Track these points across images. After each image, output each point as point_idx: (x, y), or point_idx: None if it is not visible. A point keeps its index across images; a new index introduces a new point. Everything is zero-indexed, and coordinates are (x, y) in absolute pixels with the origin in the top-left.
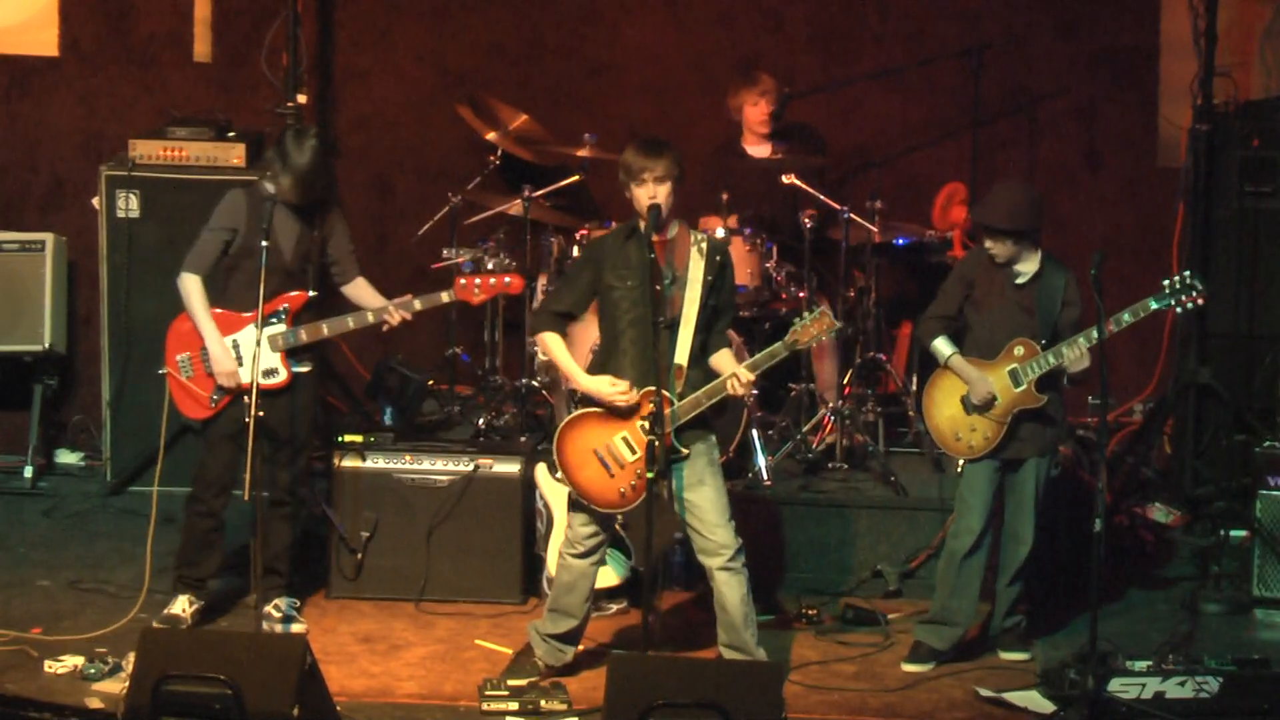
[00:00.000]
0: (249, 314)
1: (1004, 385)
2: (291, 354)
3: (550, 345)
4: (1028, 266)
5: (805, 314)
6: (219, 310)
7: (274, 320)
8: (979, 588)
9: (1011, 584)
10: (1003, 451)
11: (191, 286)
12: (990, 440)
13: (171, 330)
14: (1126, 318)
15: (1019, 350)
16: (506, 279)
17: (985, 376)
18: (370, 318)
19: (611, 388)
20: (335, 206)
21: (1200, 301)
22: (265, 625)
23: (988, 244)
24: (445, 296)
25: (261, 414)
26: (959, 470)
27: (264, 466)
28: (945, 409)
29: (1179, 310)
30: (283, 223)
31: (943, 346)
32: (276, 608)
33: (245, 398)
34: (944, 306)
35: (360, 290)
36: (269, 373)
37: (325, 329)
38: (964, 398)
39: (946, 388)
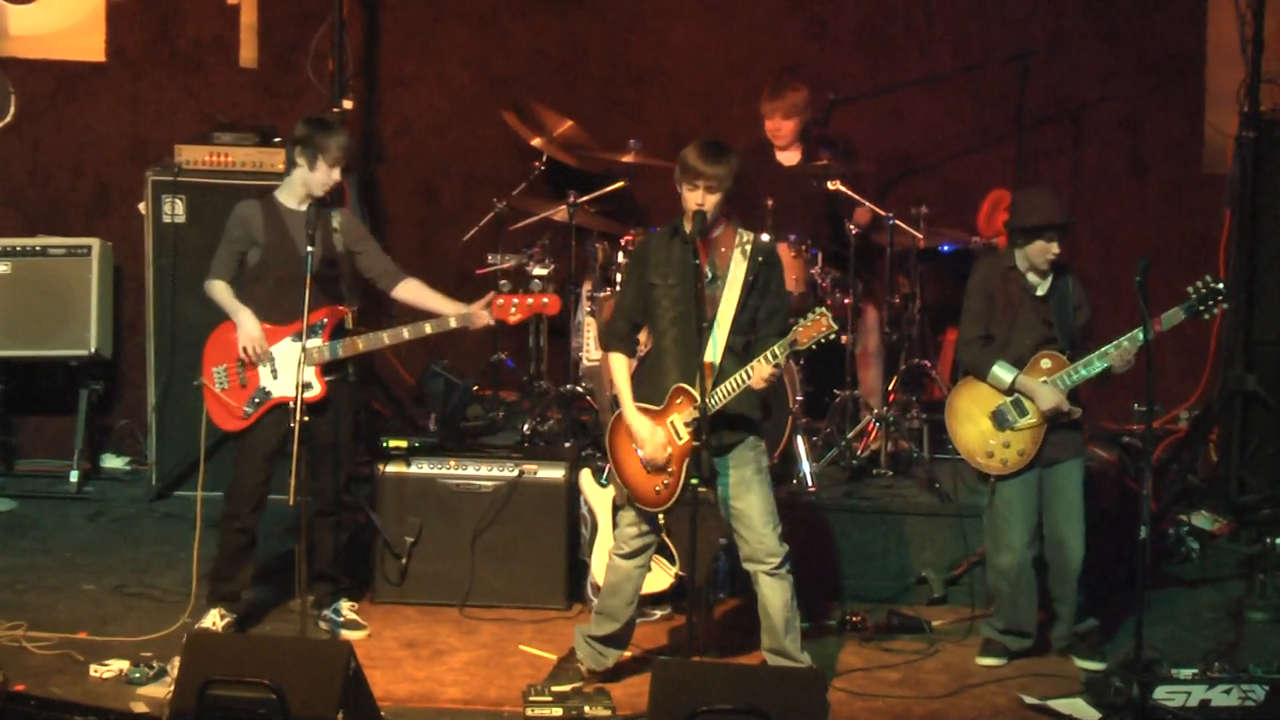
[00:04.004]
0: (284, 326)
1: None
2: (325, 367)
3: (613, 367)
4: (1047, 278)
5: (805, 317)
6: None
7: (313, 334)
8: (1036, 596)
9: (1072, 591)
10: (1037, 460)
11: (216, 286)
12: (1025, 455)
13: (210, 342)
14: (1163, 323)
15: (1046, 363)
16: (544, 299)
17: (1057, 391)
18: (406, 334)
19: (653, 440)
20: (348, 212)
21: (1225, 306)
22: (325, 628)
23: (1047, 246)
24: (481, 319)
25: (306, 419)
26: (991, 486)
27: (308, 476)
28: (971, 426)
29: (1206, 316)
30: (300, 230)
31: (1003, 373)
32: (336, 611)
33: (279, 411)
34: (980, 326)
35: (415, 290)
36: (304, 388)
37: (361, 344)
38: (993, 413)
39: (969, 402)
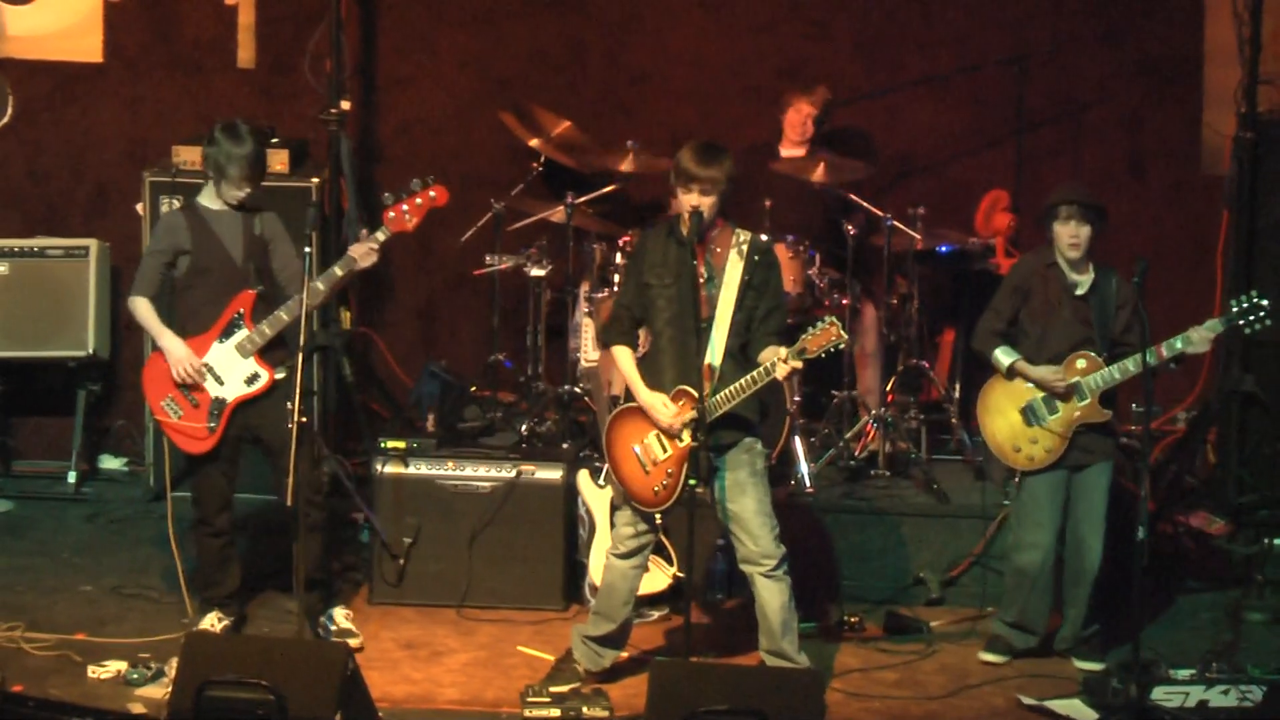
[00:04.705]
0: (207, 334)
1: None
2: (267, 356)
3: (618, 357)
4: (1087, 276)
5: (815, 325)
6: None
7: (235, 329)
8: (1052, 598)
9: (1085, 594)
10: (1065, 461)
11: (140, 305)
12: (1052, 452)
13: (145, 379)
14: (1195, 338)
15: (1081, 363)
16: (431, 193)
17: (1057, 369)
18: (322, 287)
19: (664, 407)
20: (272, 213)
21: (1268, 322)
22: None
23: (1064, 231)
24: (381, 235)
25: (304, 420)
26: (1016, 481)
27: (276, 479)
28: (1001, 419)
29: (1246, 331)
30: (227, 230)
31: (1003, 356)
32: (330, 619)
33: (237, 412)
34: (999, 319)
35: (316, 285)
36: (251, 379)
37: (285, 315)
38: (1023, 409)
39: (1001, 397)
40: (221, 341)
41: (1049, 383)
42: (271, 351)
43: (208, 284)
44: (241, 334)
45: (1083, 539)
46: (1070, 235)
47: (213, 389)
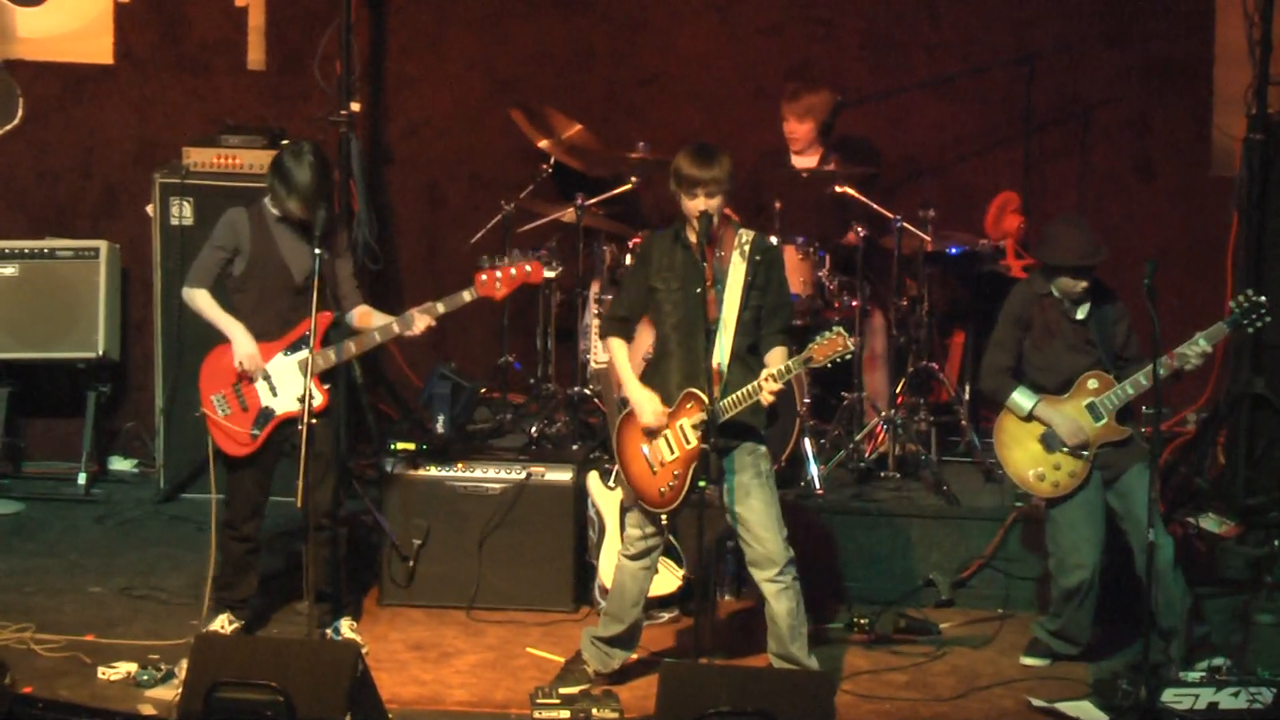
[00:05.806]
0: (275, 342)
1: (1085, 421)
2: (326, 378)
3: (613, 350)
4: (1085, 301)
5: (823, 334)
6: None
7: (304, 345)
8: (1094, 609)
9: (1176, 596)
10: (1092, 478)
11: (198, 296)
12: (1077, 476)
13: (204, 370)
14: (1203, 343)
15: (1093, 384)
16: (527, 267)
17: (1076, 420)
18: (396, 329)
19: (649, 404)
20: (342, 228)
21: (1268, 319)
22: None
23: (1073, 283)
24: (468, 295)
25: (315, 421)
26: (1036, 504)
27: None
28: (1021, 451)
29: (1250, 330)
30: (287, 241)
31: (1022, 400)
32: (336, 631)
33: (282, 427)
34: (1004, 356)
35: (364, 314)
36: (304, 399)
37: (354, 347)
38: (1043, 436)
39: (1017, 428)
40: (287, 354)
41: (1070, 434)
42: (329, 377)
43: (260, 290)
44: (307, 353)
45: (1153, 540)
46: (1079, 288)
47: (265, 397)
